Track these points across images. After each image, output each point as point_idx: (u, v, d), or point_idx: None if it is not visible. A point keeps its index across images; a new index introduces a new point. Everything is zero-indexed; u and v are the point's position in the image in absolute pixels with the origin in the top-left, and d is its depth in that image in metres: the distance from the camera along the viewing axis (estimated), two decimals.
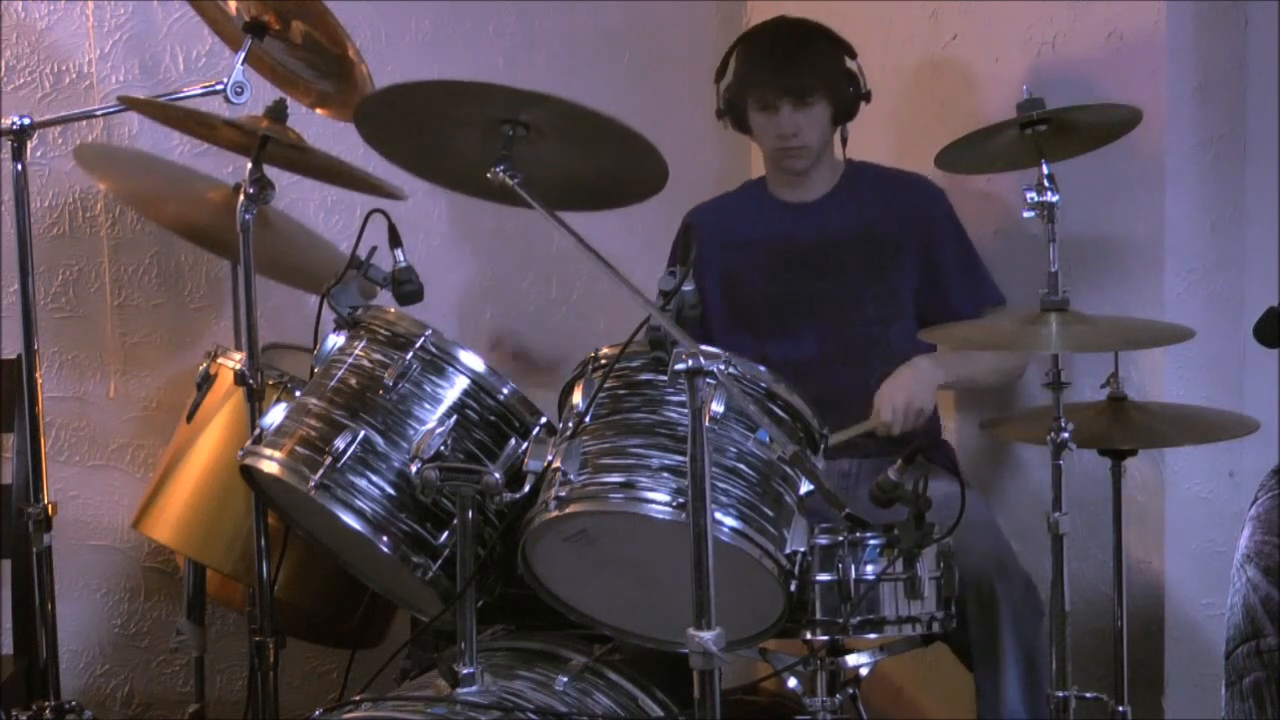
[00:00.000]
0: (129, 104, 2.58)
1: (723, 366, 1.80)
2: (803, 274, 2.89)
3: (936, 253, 2.87)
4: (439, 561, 2.06)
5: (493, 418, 2.11)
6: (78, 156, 2.85)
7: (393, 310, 2.21)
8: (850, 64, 2.86)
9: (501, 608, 2.28)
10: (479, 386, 2.12)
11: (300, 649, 3.03)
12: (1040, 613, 2.50)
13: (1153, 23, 2.77)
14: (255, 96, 2.39)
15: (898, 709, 3.19)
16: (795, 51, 2.82)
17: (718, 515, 1.89)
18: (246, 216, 2.34)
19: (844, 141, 2.91)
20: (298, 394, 2.25)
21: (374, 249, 2.24)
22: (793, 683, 2.19)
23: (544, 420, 2.14)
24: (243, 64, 2.38)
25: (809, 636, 2.07)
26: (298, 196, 3.08)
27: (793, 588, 1.98)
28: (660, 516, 1.91)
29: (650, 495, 1.93)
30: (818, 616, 2.04)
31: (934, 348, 2.81)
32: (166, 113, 2.65)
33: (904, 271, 2.86)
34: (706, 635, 1.72)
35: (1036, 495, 3.05)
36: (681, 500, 1.87)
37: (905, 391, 2.65)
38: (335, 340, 2.20)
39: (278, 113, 2.46)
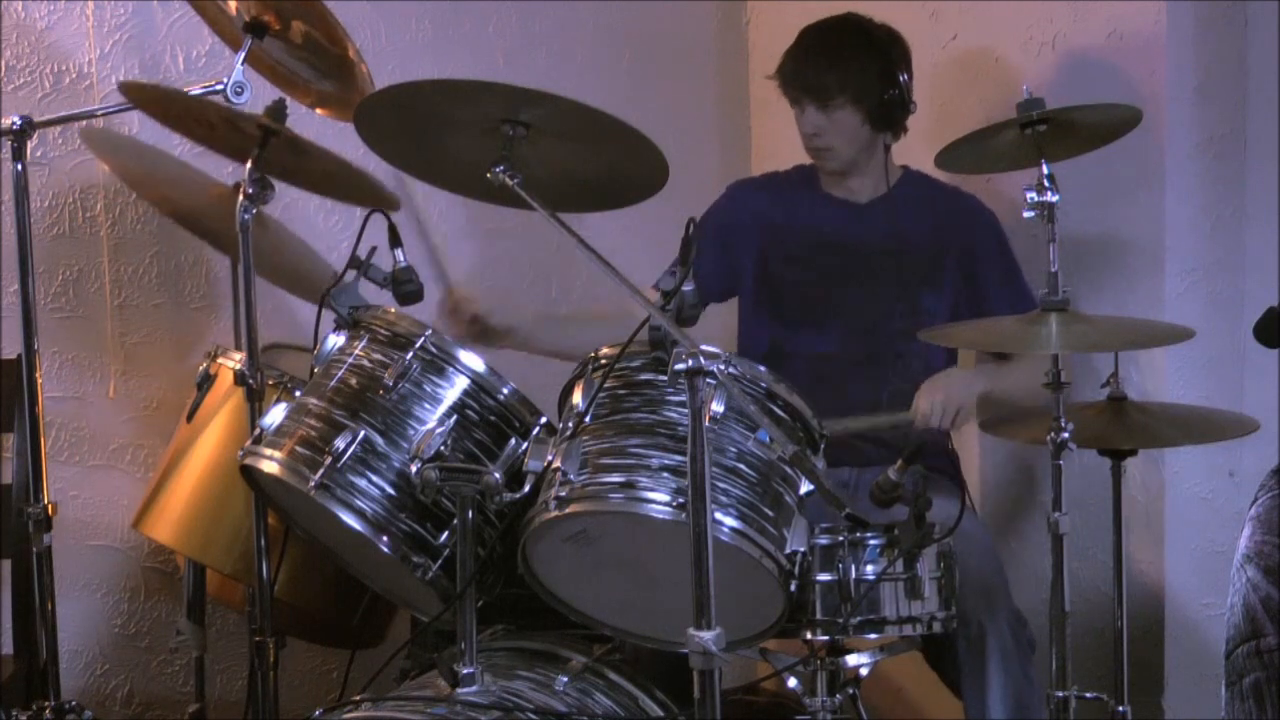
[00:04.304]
0: (130, 89, 2.56)
1: (723, 366, 1.80)
2: (837, 272, 2.85)
3: (979, 277, 2.82)
4: (439, 561, 2.06)
5: (493, 418, 2.11)
6: (83, 136, 2.83)
7: (393, 310, 2.20)
8: (892, 71, 2.74)
9: (501, 608, 2.28)
10: (479, 386, 2.12)
11: (300, 649, 3.03)
12: (1029, 647, 2.51)
13: (1153, 23, 2.78)
14: (255, 96, 2.38)
15: (898, 709, 3.19)
16: (821, 50, 2.75)
17: (718, 515, 1.89)
18: (246, 216, 2.33)
19: (886, 148, 2.81)
20: (298, 394, 2.25)
21: (374, 249, 2.24)
22: (793, 683, 2.19)
23: (544, 420, 2.14)
24: (243, 64, 2.38)
25: (809, 636, 2.08)
26: (297, 196, 3.07)
27: (793, 588, 1.98)
28: (660, 516, 1.91)
29: (650, 495, 1.92)
30: (818, 616, 2.04)
31: (954, 358, 2.82)
32: (167, 108, 2.64)
33: (938, 291, 2.82)
34: (706, 635, 1.72)
35: (1036, 495, 3.05)
36: (681, 500, 1.87)
37: (946, 389, 2.65)
38: (335, 340, 2.20)
39: (278, 113, 2.45)
